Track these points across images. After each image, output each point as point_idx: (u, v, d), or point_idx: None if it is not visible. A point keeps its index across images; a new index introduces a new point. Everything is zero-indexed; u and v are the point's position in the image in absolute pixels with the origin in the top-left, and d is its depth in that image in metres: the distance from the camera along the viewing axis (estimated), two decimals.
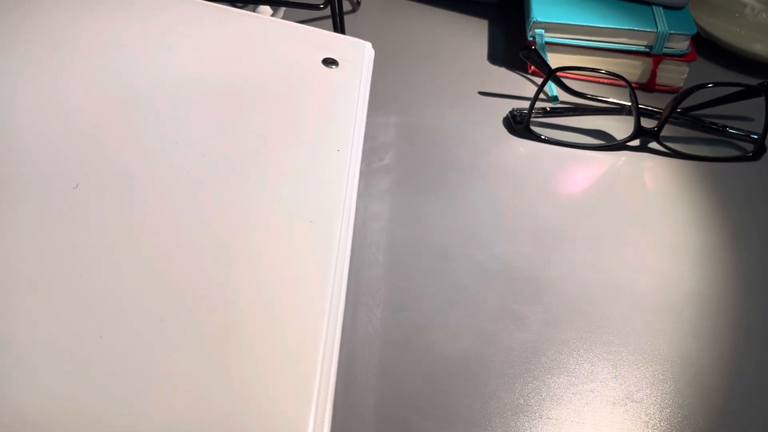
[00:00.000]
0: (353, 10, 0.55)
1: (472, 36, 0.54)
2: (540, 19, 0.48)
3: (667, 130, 0.45)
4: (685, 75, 0.50)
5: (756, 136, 0.46)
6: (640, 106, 0.44)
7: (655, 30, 0.48)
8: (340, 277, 0.28)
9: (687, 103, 0.45)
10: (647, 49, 0.48)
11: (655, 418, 0.31)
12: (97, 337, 0.24)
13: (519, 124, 0.45)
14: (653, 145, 0.45)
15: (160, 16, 0.38)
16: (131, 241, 0.27)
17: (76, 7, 0.37)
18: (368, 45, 0.41)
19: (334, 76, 0.38)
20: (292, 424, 0.23)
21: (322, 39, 0.40)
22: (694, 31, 0.48)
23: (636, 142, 0.45)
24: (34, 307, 0.24)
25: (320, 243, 0.29)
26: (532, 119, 0.45)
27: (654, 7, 0.50)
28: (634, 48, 0.49)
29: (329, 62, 0.38)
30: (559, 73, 0.45)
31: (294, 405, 0.24)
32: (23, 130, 0.30)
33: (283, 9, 0.51)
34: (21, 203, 0.27)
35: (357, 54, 0.40)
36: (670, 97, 0.49)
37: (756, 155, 0.45)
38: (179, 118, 0.32)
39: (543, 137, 0.45)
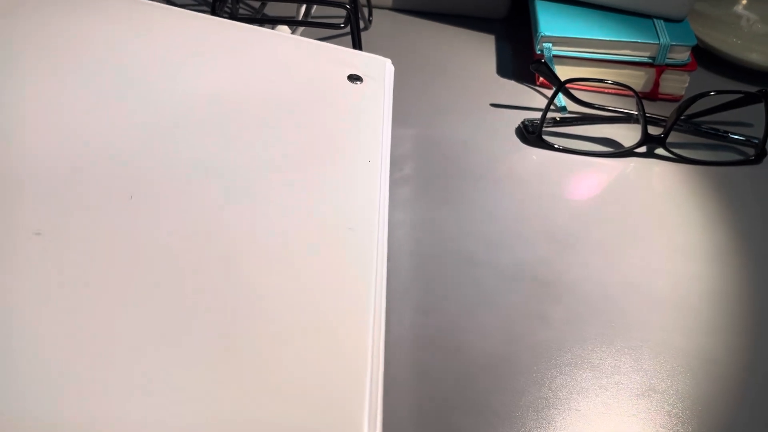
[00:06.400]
0: (365, 28, 0.57)
1: (480, 50, 0.56)
2: (548, 34, 0.50)
3: (672, 137, 0.47)
4: (686, 84, 0.52)
5: (756, 141, 0.48)
6: (646, 114, 0.47)
7: (658, 42, 0.50)
8: (381, 281, 0.30)
9: (690, 110, 0.47)
10: (650, 60, 0.51)
11: (677, 407, 0.33)
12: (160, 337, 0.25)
13: (531, 134, 0.47)
14: (660, 151, 0.47)
15: (191, 36, 0.40)
16: (185, 251, 0.29)
17: (123, 30, 0.38)
18: (388, 62, 0.43)
19: (359, 92, 0.39)
20: (347, 428, 0.25)
21: (345, 56, 0.42)
22: (695, 43, 0.50)
23: (643, 149, 0.47)
24: (107, 312, 0.26)
25: (361, 248, 0.31)
26: (543, 129, 0.47)
27: (655, 19, 0.52)
28: (637, 59, 0.51)
29: (354, 78, 0.40)
30: (567, 85, 0.47)
31: (347, 408, 0.25)
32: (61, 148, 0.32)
33: (301, 28, 0.53)
34: (85, 212, 0.29)
35: (379, 70, 0.42)
36: (672, 105, 0.52)
37: (757, 159, 0.47)
38: (219, 134, 0.34)
39: (556, 146, 0.47)
